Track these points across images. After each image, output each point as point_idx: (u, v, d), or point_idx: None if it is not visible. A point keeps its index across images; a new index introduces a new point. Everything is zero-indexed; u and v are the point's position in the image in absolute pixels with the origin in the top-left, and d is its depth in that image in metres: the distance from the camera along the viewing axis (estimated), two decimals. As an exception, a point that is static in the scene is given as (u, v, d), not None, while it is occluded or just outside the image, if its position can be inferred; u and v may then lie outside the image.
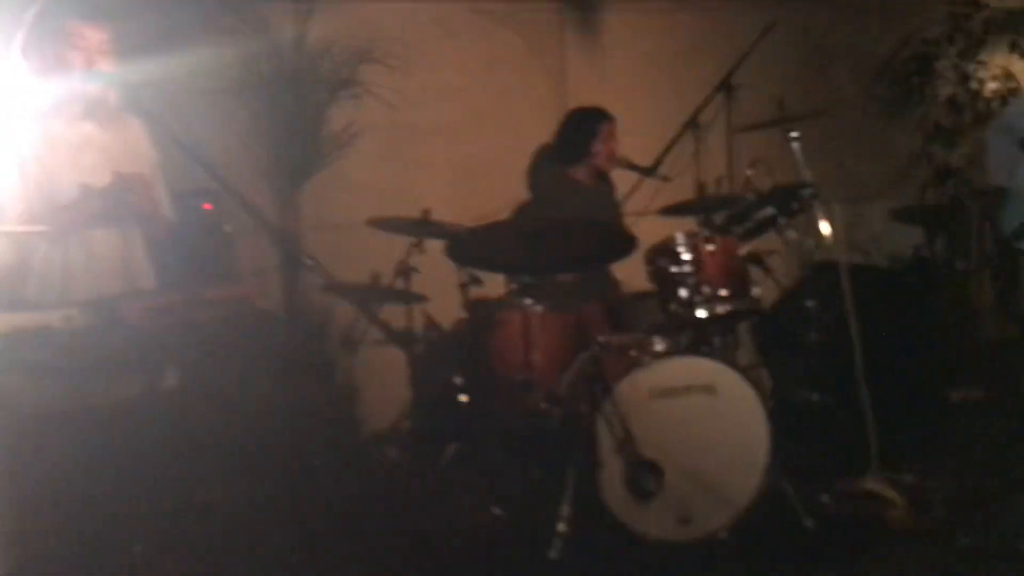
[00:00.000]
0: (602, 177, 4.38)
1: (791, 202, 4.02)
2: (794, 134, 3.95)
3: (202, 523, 3.12)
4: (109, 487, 2.49)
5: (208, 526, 3.09)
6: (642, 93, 5.03)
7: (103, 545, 2.52)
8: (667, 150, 4.18)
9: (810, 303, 4.04)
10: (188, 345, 2.54)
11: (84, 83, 2.77)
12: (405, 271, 3.84)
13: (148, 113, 2.76)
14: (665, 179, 4.19)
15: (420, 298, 4.11)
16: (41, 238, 2.63)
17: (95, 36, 2.81)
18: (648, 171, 4.21)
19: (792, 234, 4.09)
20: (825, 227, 3.92)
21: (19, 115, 2.70)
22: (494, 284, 4.17)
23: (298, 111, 4.39)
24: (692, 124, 4.10)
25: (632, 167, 4.25)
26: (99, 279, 2.72)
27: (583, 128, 4.27)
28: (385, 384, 4.38)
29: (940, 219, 5.73)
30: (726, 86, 4.04)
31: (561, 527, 3.18)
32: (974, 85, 5.63)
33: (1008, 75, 5.65)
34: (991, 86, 5.63)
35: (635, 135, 4.40)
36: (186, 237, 3.67)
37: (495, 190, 4.69)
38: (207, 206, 3.88)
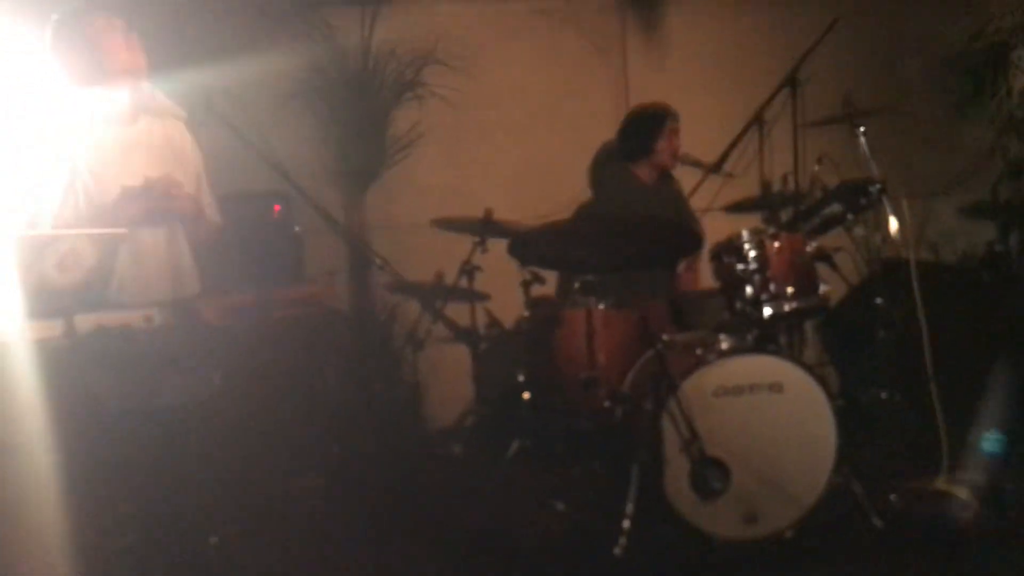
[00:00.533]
0: (666, 175, 4.37)
1: (859, 198, 3.96)
2: (861, 129, 3.90)
3: (273, 517, 3.20)
4: (188, 481, 2.57)
5: (279, 519, 3.18)
6: (705, 90, 5.00)
7: (182, 536, 2.60)
8: (732, 146, 4.15)
9: (879, 300, 3.98)
10: (263, 343, 2.62)
11: (135, 86, 2.82)
12: (469, 270, 3.89)
13: (221, 117, 2.83)
14: (729, 175, 4.17)
15: (483, 296, 4.15)
16: (122, 240, 2.71)
17: (125, 34, 2.81)
18: (713, 168, 4.19)
19: (860, 230, 4.03)
20: (894, 223, 3.86)
21: (72, 119, 2.76)
22: (553, 282, 4.21)
23: (364, 114, 4.47)
24: (757, 120, 4.07)
25: (696, 164, 4.23)
26: (147, 281, 2.76)
27: (646, 126, 4.26)
28: (450, 381, 4.45)
29: (1014, 214, 5.58)
30: (791, 81, 3.99)
31: (626, 524, 3.19)
32: (1050, 75, 5.48)
33: (1086, 66, 5.50)
34: (1067, 77, 5.48)
35: (699, 132, 4.38)
36: (258, 238, 3.77)
37: (557, 189, 4.71)
38: (277, 207, 3.97)
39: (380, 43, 4.47)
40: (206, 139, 3.84)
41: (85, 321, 2.30)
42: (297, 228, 3.95)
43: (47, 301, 2.34)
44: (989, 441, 3.05)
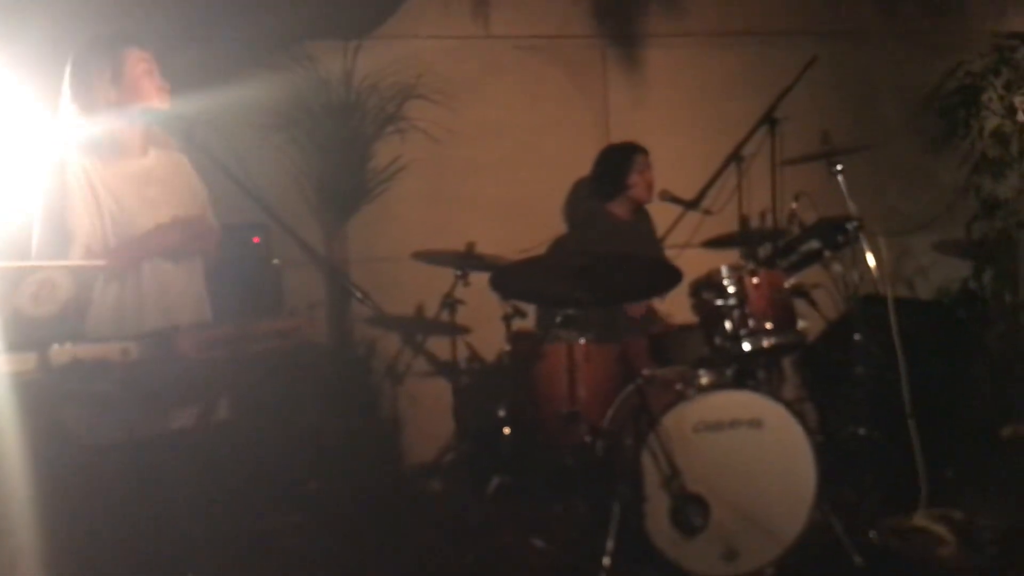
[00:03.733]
0: (640, 211, 4.40)
1: (836, 235, 4.00)
2: (839, 167, 3.95)
3: (253, 552, 3.15)
4: (163, 517, 2.53)
5: (259, 555, 3.13)
6: (685, 127, 5.05)
7: (158, 573, 2.55)
8: (711, 183, 4.19)
9: (856, 336, 4.00)
10: (240, 377, 2.59)
11: (140, 118, 2.82)
12: (450, 303, 3.89)
13: (200, 147, 2.82)
14: (707, 212, 4.20)
15: (464, 330, 4.14)
16: (100, 272, 2.69)
17: (151, 65, 2.85)
18: (691, 204, 4.22)
19: (837, 267, 4.07)
20: (871, 260, 3.89)
21: (84, 150, 2.76)
22: (534, 317, 4.20)
23: (345, 146, 4.47)
24: (736, 157, 4.11)
25: (675, 200, 4.26)
26: (168, 312, 2.77)
27: (617, 162, 4.33)
28: (430, 416, 4.42)
29: (987, 252, 5.65)
30: (770, 119, 4.04)
31: (606, 561, 3.17)
32: (1020, 117, 5.58)
33: (1054, 107, 5.61)
34: (1037, 118, 5.58)
35: (678, 168, 4.43)
36: (237, 270, 3.74)
37: (539, 224, 4.74)
38: (256, 239, 3.96)
39: (362, 76, 4.49)
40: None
41: (61, 354, 2.26)
42: (276, 260, 3.93)
43: (21, 332, 2.30)
44: None
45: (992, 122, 5.63)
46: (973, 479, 4.01)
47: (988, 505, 3.73)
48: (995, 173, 5.69)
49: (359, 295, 2.61)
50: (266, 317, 3.48)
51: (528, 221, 4.77)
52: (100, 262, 2.64)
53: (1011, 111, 5.57)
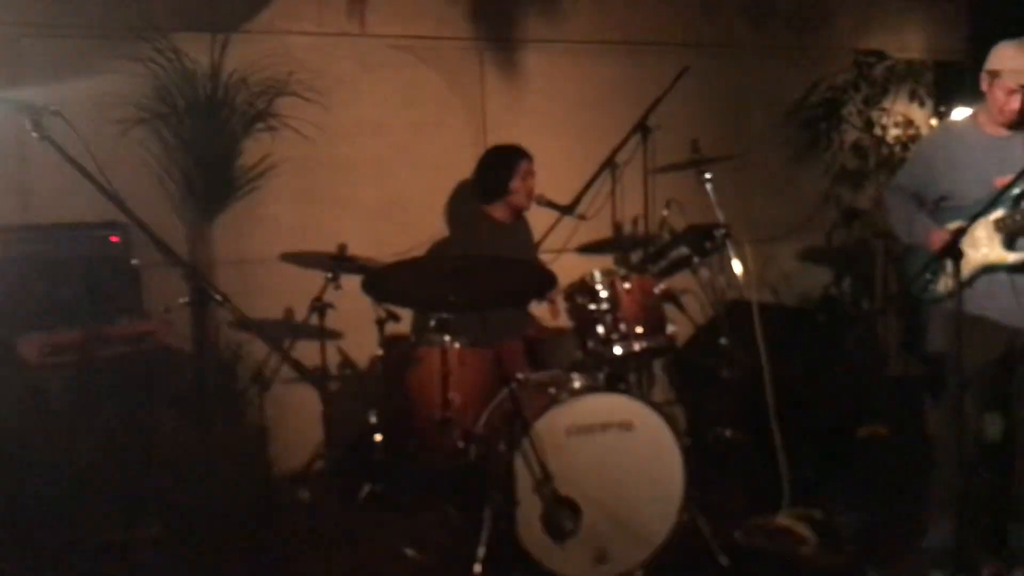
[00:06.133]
0: (519, 215, 4.40)
1: (704, 242, 4.10)
2: (707, 175, 4.04)
3: (108, 564, 2.99)
4: (12, 529, 2.36)
5: (114, 567, 2.97)
6: (561, 132, 5.08)
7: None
8: (585, 189, 4.23)
9: (723, 340, 4.11)
10: (89, 382, 2.44)
11: None
12: (320, 307, 3.78)
13: (52, 141, 2.65)
14: (582, 217, 4.24)
15: (336, 335, 4.04)
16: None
17: None
18: (566, 209, 4.24)
19: (706, 273, 4.16)
20: (737, 266, 4.00)
21: None
22: (409, 321, 4.14)
23: (212, 142, 4.30)
24: (610, 164, 4.16)
25: (551, 205, 4.28)
26: None
27: (501, 166, 4.29)
28: (298, 423, 4.29)
29: (847, 259, 5.92)
30: (643, 127, 4.11)
31: (477, 569, 3.14)
32: (878, 131, 5.86)
33: (908, 122, 5.91)
34: (893, 132, 5.87)
35: (553, 173, 4.45)
36: (91, 271, 3.55)
37: (414, 225, 4.68)
38: (114, 239, 3.76)
39: (231, 71, 4.33)
40: (38, 164, 3.62)
41: None
42: (135, 261, 3.74)
43: None
44: None
45: (852, 135, 5.90)
46: (832, 479, 4.17)
47: (846, 503, 3.87)
48: (854, 184, 5.97)
49: (218, 297, 2.50)
50: (120, 321, 3.33)
51: (402, 222, 4.71)
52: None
53: (869, 125, 5.85)
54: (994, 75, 3.32)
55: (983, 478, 3.47)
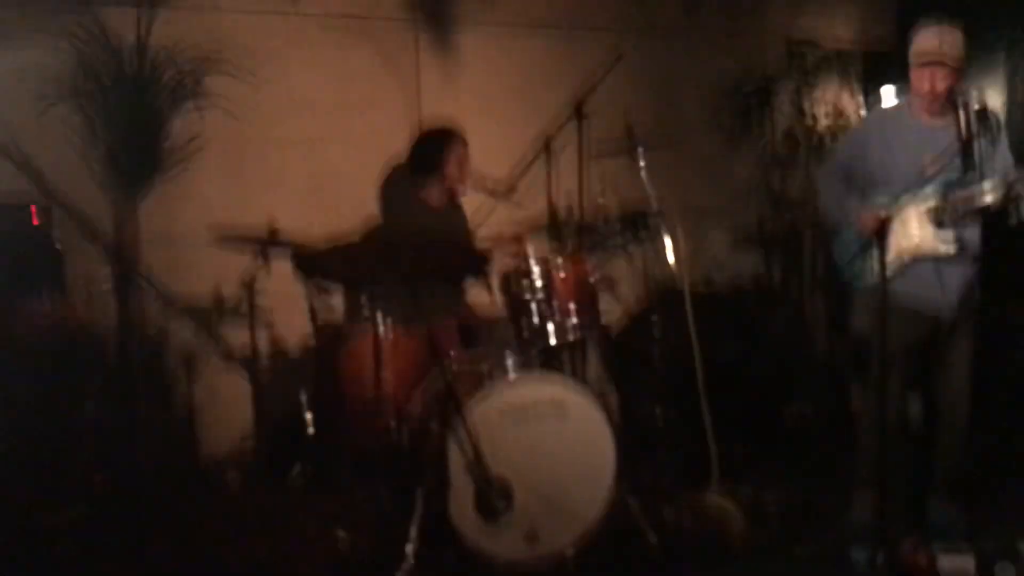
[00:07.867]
0: (454, 201, 4.36)
1: (638, 227, 4.12)
2: (642, 161, 4.06)
3: (30, 547, 2.92)
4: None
5: (35, 556, 2.90)
6: (497, 114, 5.06)
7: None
8: (521, 174, 4.22)
9: (655, 322, 4.15)
10: (7, 362, 2.37)
11: None
12: (250, 288, 3.71)
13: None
14: (517, 204, 4.22)
15: (266, 315, 3.98)
16: None
17: None
18: (502, 194, 4.22)
19: (639, 258, 4.19)
20: (670, 251, 4.04)
21: None
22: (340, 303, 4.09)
23: (138, 119, 4.19)
24: (545, 148, 4.15)
25: (486, 189, 4.26)
26: None
27: (434, 148, 4.20)
28: (227, 405, 4.22)
29: (777, 245, 6.02)
30: (578, 112, 4.10)
31: (409, 549, 3.13)
32: (809, 120, 5.96)
33: (839, 112, 6.02)
34: (824, 121, 5.97)
35: (489, 154, 4.42)
36: (10, 252, 3.44)
37: (346, 204, 4.61)
38: (36, 220, 3.64)
39: (158, 47, 4.22)
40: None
41: None
42: (58, 241, 3.62)
43: None
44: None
45: (783, 123, 5.99)
46: (759, 457, 4.25)
47: (773, 481, 3.95)
48: (784, 172, 6.07)
49: (142, 280, 2.44)
50: (40, 301, 3.24)
51: (335, 201, 4.63)
52: None
53: (800, 114, 5.95)
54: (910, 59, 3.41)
55: (905, 455, 3.56)
